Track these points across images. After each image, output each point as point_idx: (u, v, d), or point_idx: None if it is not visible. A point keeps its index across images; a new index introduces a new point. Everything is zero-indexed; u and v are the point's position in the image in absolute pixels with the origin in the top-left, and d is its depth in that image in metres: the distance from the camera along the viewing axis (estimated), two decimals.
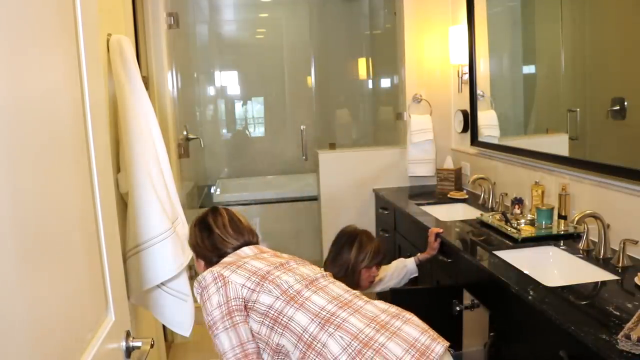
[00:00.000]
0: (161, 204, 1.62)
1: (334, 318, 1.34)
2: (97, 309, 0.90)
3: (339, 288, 1.48)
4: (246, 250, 1.56)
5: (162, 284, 1.68)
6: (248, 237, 1.61)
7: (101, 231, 0.91)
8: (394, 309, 1.42)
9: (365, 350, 1.28)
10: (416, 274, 2.26)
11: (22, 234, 0.64)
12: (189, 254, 1.73)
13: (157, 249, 1.60)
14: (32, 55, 0.71)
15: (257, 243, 1.63)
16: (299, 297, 1.38)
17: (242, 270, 1.44)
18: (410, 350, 1.28)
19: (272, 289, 1.39)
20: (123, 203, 1.69)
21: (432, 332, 1.37)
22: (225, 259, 1.53)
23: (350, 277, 1.93)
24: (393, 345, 1.29)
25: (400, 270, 2.23)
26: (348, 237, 2.01)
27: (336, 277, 1.94)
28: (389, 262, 2.26)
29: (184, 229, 1.78)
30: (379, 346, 1.28)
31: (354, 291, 1.50)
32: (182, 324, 1.74)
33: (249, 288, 1.39)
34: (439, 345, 1.32)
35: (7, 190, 0.61)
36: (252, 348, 1.38)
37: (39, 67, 0.73)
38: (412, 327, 1.35)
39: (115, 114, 1.66)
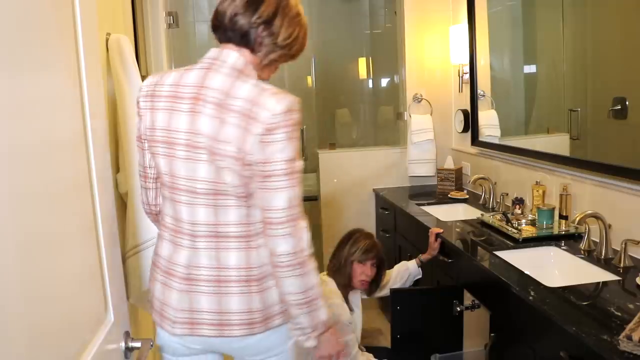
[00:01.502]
0: None
1: (163, 230, 1.31)
2: (96, 309, 0.90)
3: (203, 215, 1.23)
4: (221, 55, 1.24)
5: None
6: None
7: (100, 231, 0.91)
8: (207, 277, 1.24)
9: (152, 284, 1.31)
10: (420, 276, 2.26)
11: (21, 235, 0.64)
12: None
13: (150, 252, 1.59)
14: (30, 55, 0.71)
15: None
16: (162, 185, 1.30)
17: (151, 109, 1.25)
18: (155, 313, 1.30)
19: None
20: (123, 203, 1.68)
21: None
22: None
23: (342, 270, 2.00)
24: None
25: (402, 273, 2.24)
26: (347, 235, 2.11)
27: (332, 271, 1.98)
28: (390, 266, 2.26)
29: None
30: (152, 295, 1.31)
31: (213, 231, 1.24)
32: None
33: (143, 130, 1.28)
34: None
35: (6, 190, 0.61)
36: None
37: (37, 66, 0.73)
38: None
39: (114, 113, 1.66)
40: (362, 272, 2.00)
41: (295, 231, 1.18)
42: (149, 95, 1.26)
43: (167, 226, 1.30)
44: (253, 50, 1.24)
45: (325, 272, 2.09)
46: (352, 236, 2.06)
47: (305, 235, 1.19)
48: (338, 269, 2.01)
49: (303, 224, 1.20)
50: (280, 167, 1.16)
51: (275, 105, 1.15)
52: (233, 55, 1.23)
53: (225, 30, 1.24)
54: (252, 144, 1.14)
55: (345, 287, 2.04)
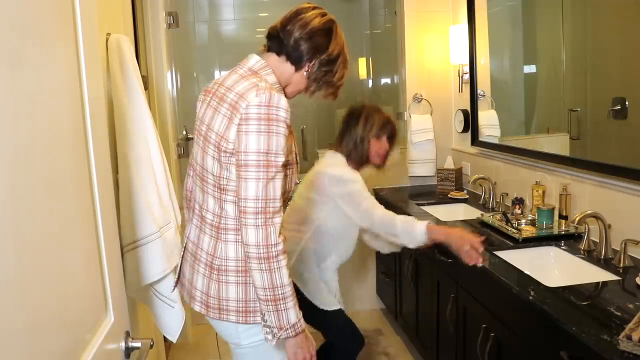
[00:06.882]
0: (149, 208, 1.60)
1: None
2: (96, 309, 0.90)
3: (199, 197, 1.39)
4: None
5: (152, 287, 1.66)
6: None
7: (100, 232, 0.91)
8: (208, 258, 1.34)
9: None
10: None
11: (21, 235, 0.64)
12: (174, 261, 1.68)
13: (138, 252, 1.59)
14: (31, 55, 0.71)
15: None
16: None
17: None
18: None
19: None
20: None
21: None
22: None
23: (359, 148, 1.98)
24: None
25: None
26: (355, 113, 2.03)
27: (346, 149, 1.99)
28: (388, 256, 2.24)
29: (173, 235, 1.72)
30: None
31: (199, 214, 1.39)
32: (170, 329, 1.72)
33: None
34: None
35: (6, 190, 0.61)
36: None
37: (38, 66, 0.73)
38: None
39: (112, 114, 1.65)
40: (380, 147, 1.99)
41: (266, 224, 1.19)
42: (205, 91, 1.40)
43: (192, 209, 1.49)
44: (297, 69, 1.36)
45: (327, 148, 2.04)
46: (362, 113, 1.99)
47: (275, 230, 1.20)
48: (354, 147, 1.97)
49: (277, 220, 1.21)
50: (251, 157, 1.20)
51: (253, 97, 1.21)
52: (254, 60, 1.35)
53: (282, 45, 1.35)
54: (233, 133, 1.22)
55: (360, 164, 2.02)
